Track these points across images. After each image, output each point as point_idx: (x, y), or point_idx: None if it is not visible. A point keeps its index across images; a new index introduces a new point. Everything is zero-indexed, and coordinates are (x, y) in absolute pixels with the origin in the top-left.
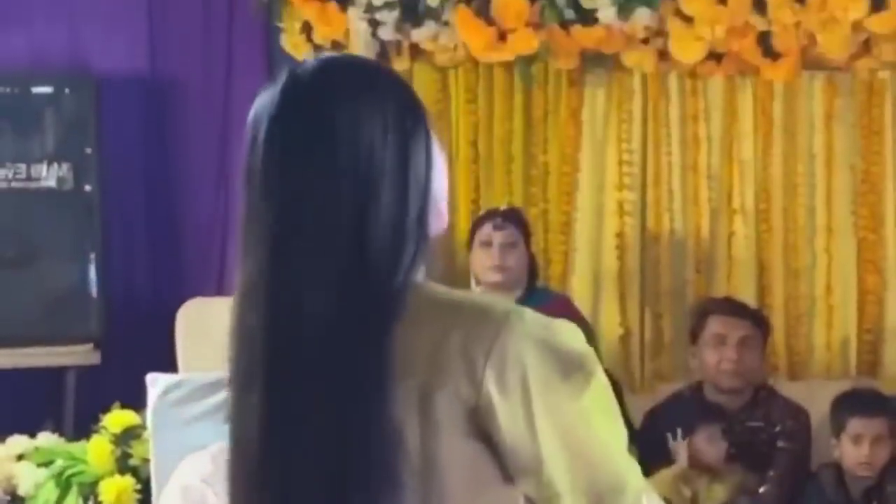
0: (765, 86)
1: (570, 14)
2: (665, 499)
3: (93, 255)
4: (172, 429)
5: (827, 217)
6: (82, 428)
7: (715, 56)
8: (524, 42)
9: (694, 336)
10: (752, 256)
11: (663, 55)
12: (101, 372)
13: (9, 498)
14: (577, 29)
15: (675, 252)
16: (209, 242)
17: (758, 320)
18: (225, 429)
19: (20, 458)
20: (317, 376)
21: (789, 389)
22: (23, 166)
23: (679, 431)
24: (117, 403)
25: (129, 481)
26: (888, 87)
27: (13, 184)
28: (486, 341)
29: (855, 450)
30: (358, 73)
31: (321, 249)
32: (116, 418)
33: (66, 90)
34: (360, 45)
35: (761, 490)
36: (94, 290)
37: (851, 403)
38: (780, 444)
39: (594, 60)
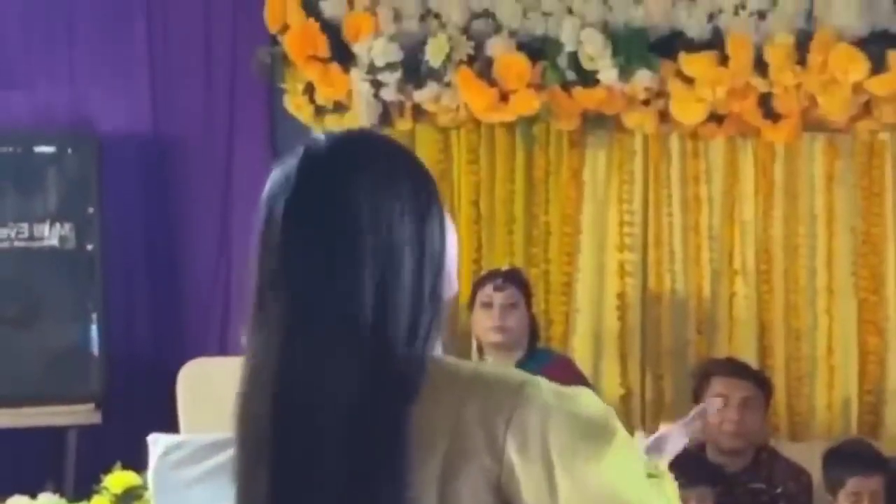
0: (766, 147)
1: (571, 75)
2: None
3: (94, 315)
4: (173, 490)
5: (828, 278)
6: (83, 488)
7: (716, 117)
8: (526, 103)
9: (696, 397)
10: (754, 317)
11: (664, 116)
12: (102, 432)
13: None
14: (578, 90)
15: (676, 312)
16: (211, 302)
17: (760, 381)
18: (226, 491)
19: None
20: (331, 459)
21: (791, 450)
22: (25, 225)
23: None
24: (118, 464)
25: None
26: (889, 148)
27: (16, 243)
28: (506, 412)
29: None
30: (373, 151)
31: (342, 330)
32: (117, 479)
33: (69, 149)
34: (363, 106)
35: None
36: (95, 350)
37: (849, 461)
38: None
39: (595, 121)
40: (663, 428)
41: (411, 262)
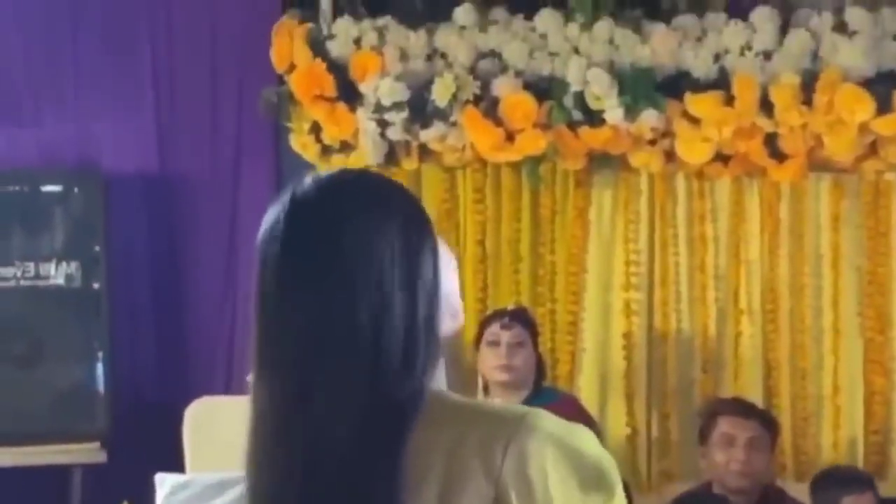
0: (771, 187)
1: (577, 115)
2: None
3: (100, 353)
4: None
5: (834, 318)
6: None
7: (722, 157)
8: (532, 142)
9: (703, 436)
10: (759, 356)
11: (670, 156)
12: (107, 470)
13: None
14: (584, 130)
15: (682, 352)
16: (216, 341)
17: (766, 421)
18: None
19: None
20: (330, 490)
21: (797, 490)
22: (31, 264)
23: None
24: (124, 503)
25: None
26: (894, 188)
27: (22, 281)
28: (504, 438)
29: None
30: (361, 191)
31: (341, 370)
32: None
33: (75, 188)
34: (369, 146)
35: None
36: (101, 388)
37: (842, 481)
38: None
39: (601, 161)
40: None
41: (404, 298)
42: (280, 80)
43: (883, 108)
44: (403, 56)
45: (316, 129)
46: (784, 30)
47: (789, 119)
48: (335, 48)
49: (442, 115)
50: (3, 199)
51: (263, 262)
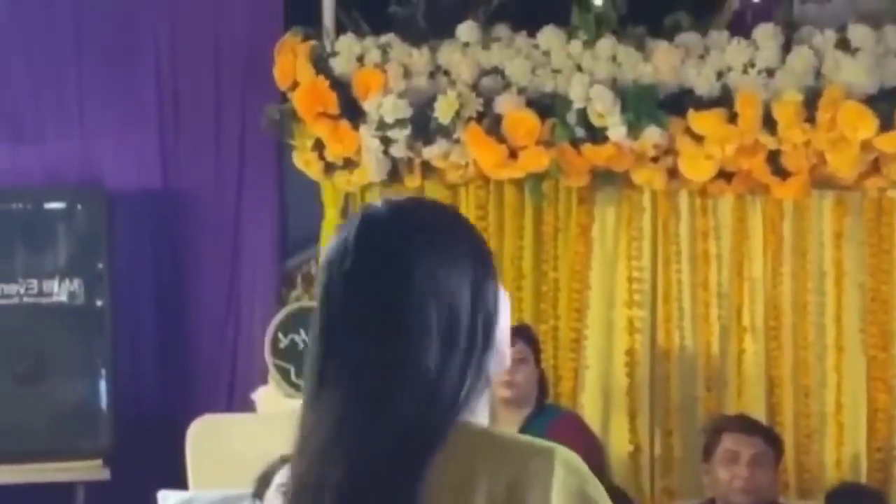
0: (774, 204)
1: (580, 132)
2: None
3: (103, 370)
4: None
5: (836, 335)
6: None
7: (725, 174)
8: (535, 160)
9: (707, 453)
10: (762, 374)
11: (673, 173)
12: (110, 488)
13: None
14: (587, 147)
15: (684, 369)
16: (219, 358)
17: (770, 438)
18: None
19: None
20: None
21: None
22: (35, 281)
23: None
24: None
25: None
26: None
27: (25, 298)
28: (509, 475)
29: None
30: (431, 217)
31: (397, 398)
32: None
33: (79, 206)
34: (372, 163)
35: None
36: (104, 405)
37: (855, 499)
38: None
39: (604, 178)
40: None
41: (467, 330)
42: (283, 98)
43: (886, 126)
44: (406, 73)
45: (319, 146)
46: (787, 47)
47: (792, 136)
48: (338, 65)
49: (445, 132)
50: (6, 217)
51: (328, 281)
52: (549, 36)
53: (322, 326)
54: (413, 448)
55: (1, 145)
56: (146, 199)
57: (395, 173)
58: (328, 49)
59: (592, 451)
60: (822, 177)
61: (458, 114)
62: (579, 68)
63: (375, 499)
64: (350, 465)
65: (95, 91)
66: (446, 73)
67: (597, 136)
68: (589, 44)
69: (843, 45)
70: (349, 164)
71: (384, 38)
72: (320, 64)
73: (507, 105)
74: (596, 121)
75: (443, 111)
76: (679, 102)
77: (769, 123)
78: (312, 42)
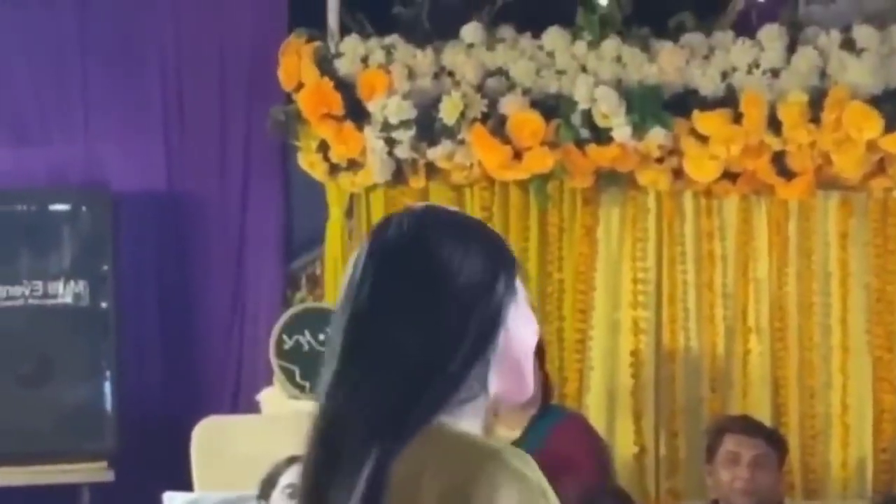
0: (779, 205)
1: (585, 133)
2: None
3: (108, 372)
4: None
5: (842, 336)
6: None
7: (730, 175)
8: (539, 161)
9: (709, 454)
10: (768, 375)
11: (678, 174)
12: (115, 489)
13: None
14: (592, 148)
15: (690, 370)
16: (225, 360)
17: (773, 440)
18: None
19: None
20: (333, 484)
21: None
22: (39, 283)
23: None
24: None
25: None
26: None
27: (30, 300)
28: (459, 476)
29: None
30: (450, 218)
31: (377, 385)
32: None
33: (83, 207)
34: (377, 164)
35: None
36: (108, 407)
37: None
38: None
39: (609, 179)
40: None
41: (460, 333)
42: (288, 99)
43: (891, 126)
44: (411, 74)
45: (324, 147)
46: (792, 48)
47: (797, 137)
48: (343, 67)
49: (449, 133)
50: (11, 219)
51: (353, 275)
52: (553, 37)
53: (350, 325)
54: (379, 441)
55: (5, 147)
56: (151, 201)
57: (399, 174)
58: (332, 50)
59: (597, 452)
60: (828, 177)
61: (462, 115)
62: (584, 69)
63: (341, 484)
64: (323, 447)
65: (100, 92)
66: (451, 74)
67: (601, 136)
68: (593, 44)
69: (849, 45)
70: (354, 165)
71: (388, 40)
72: (325, 65)
73: (511, 106)
74: (601, 121)
75: (447, 112)
76: (684, 103)
77: (774, 124)
78: (317, 43)
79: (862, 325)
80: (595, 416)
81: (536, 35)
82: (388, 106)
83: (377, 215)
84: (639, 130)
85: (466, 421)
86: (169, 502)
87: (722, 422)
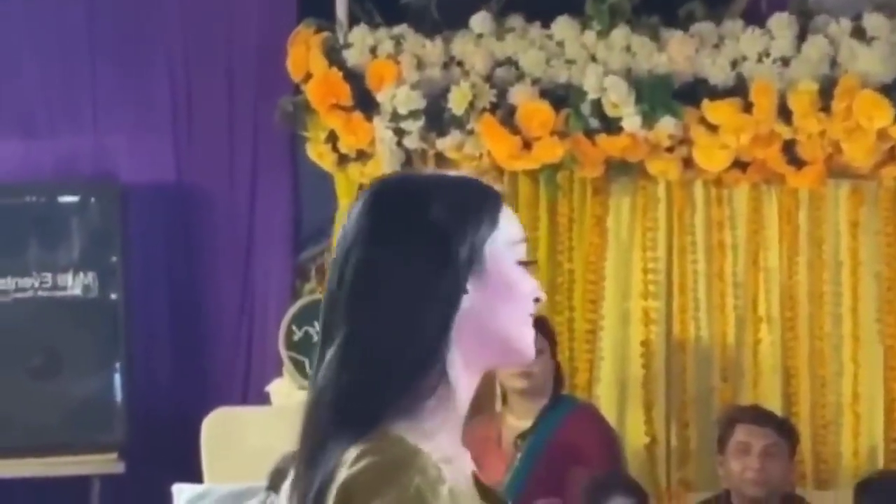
0: (790, 194)
1: (594, 123)
2: None
3: (117, 364)
4: None
5: (853, 325)
6: None
7: (740, 164)
8: (549, 151)
9: (721, 444)
10: (778, 364)
11: (688, 163)
12: (125, 481)
13: None
14: (601, 137)
15: (700, 360)
16: (234, 351)
17: (783, 429)
18: None
19: None
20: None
21: (816, 498)
22: (48, 275)
23: None
24: None
25: None
26: None
27: (39, 292)
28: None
29: None
30: (389, 210)
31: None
32: None
33: (92, 199)
34: (386, 155)
35: None
36: (118, 399)
37: (881, 493)
38: None
39: (619, 169)
40: None
41: (409, 321)
42: (297, 90)
43: None
44: (420, 64)
45: (332, 138)
46: (802, 36)
47: (807, 126)
48: (351, 57)
49: (458, 123)
50: (20, 211)
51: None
52: (563, 26)
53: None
54: (335, 433)
55: (14, 139)
56: (160, 193)
57: (408, 165)
58: (341, 41)
59: (608, 442)
60: (838, 166)
61: (471, 105)
62: (593, 59)
63: (307, 479)
64: (302, 434)
65: (108, 84)
66: (460, 64)
67: (611, 126)
68: (603, 34)
69: (859, 33)
70: (363, 155)
71: (397, 30)
72: (333, 56)
73: (521, 96)
74: (610, 111)
75: (456, 102)
76: (694, 92)
77: (784, 113)
78: (325, 34)
79: (873, 315)
80: (606, 407)
81: (546, 24)
82: (397, 96)
83: None
84: (649, 120)
85: (431, 418)
86: (178, 494)
87: (733, 412)
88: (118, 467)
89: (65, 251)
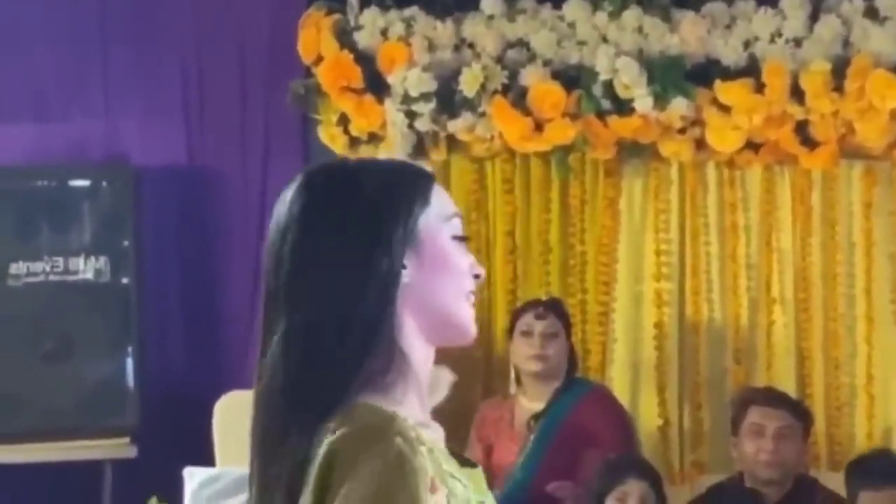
0: (803, 175)
1: (606, 104)
2: None
3: (130, 348)
4: None
5: (867, 306)
6: None
7: (752, 145)
8: (561, 132)
9: (735, 426)
10: (792, 346)
11: (700, 144)
12: (137, 465)
13: None
14: (613, 119)
15: (713, 342)
16: (247, 335)
17: (797, 411)
18: None
19: None
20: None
21: (830, 480)
22: (60, 259)
23: None
24: (153, 497)
25: None
26: None
27: (51, 277)
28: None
29: None
30: (317, 194)
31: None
32: None
33: (104, 183)
34: (397, 137)
35: None
36: (130, 383)
37: (864, 474)
38: None
39: (631, 150)
40: None
41: (349, 297)
42: (308, 72)
43: None
44: (431, 46)
45: (344, 120)
46: (814, 16)
47: (820, 106)
48: (362, 39)
49: (470, 105)
50: (31, 194)
51: None
52: (574, 7)
53: None
54: (294, 417)
55: (26, 123)
56: (172, 176)
57: (420, 147)
58: (352, 23)
59: (622, 424)
60: (851, 146)
61: (483, 87)
62: (605, 40)
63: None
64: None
65: (120, 67)
66: (471, 45)
67: (623, 107)
68: (614, 15)
69: (872, 13)
70: (374, 138)
71: (408, 12)
72: (344, 38)
73: (532, 77)
74: (622, 92)
75: (468, 84)
76: (706, 73)
77: (797, 93)
78: (336, 16)
79: (887, 295)
80: (618, 389)
81: (557, 6)
82: (409, 78)
83: None
84: (661, 101)
85: (394, 392)
86: (189, 477)
87: (746, 394)
88: (130, 451)
89: (76, 235)
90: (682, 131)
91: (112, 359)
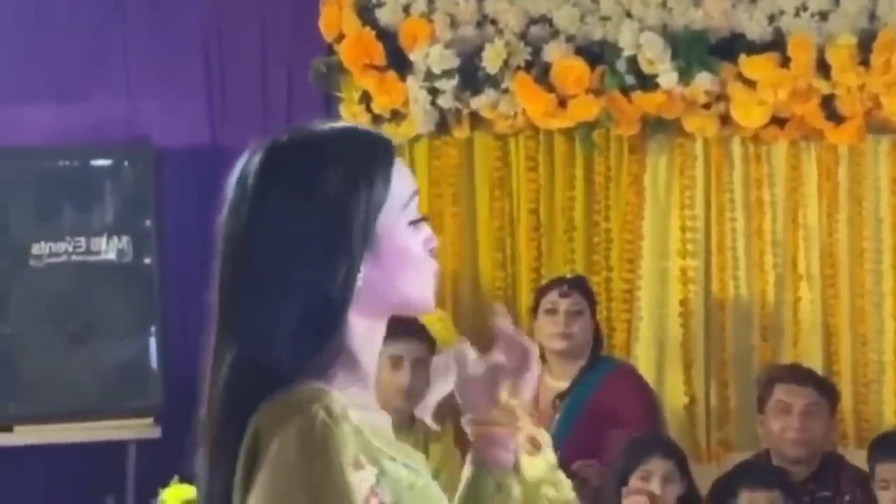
0: (829, 150)
1: (630, 80)
2: None
3: (152, 328)
4: None
5: (894, 282)
6: (143, 502)
7: (778, 120)
8: (585, 108)
9: (761, 404)
10: (819, 322)
11: (726, 120)
12: (161, 445)
13: None
14: (637, 95)
15: (739, 319)
16: None
17: (823, 388)
18: None
19: None
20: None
21: (858, 458)
22: (82, 239)
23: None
24: (176, 477)
25: None
26: None
27: (73, 257)
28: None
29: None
30: (279, 167)
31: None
32: (175, 492)
33: (126, 163)
34: (420, 114)
35: None
36: (154, 364)
37: (885, 449)
38: None
39: (656, 126)
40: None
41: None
42: (329, 50)
43: None
44: (453, 23)
45: (366, 98)
46: None
47: (846, 80)
48: (384, 16)
49: (493, 82)
50: (53, 174)
51: None
52: None
53: None
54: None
55: (47, 103)
56: (193, 155)
57: (443, 124)
58: (374, 0)
59: (647, 403)
60: (878, 121)
61: (506, 63)
62: (629, 15)
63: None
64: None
65: (141, 47)
66: (493, 21)
67: (647, 83)
68: None
69: None
70: (397, 115)
71: None
72: (366, 15)
73: (555, 53)
74: (646, 68)
75: (491, 61)
76: (730, 47)
77: (823, 67)
78: None
79: None
80: (644, 367)
81: None
82: (431, 55)
83: (421, 166)
84: (685, 76)
85: (337, 381)
86: None
87: (773, 371)
88: (154, 432)
89: (98, 215)
90: (706, 106)
91: (135, 339)
